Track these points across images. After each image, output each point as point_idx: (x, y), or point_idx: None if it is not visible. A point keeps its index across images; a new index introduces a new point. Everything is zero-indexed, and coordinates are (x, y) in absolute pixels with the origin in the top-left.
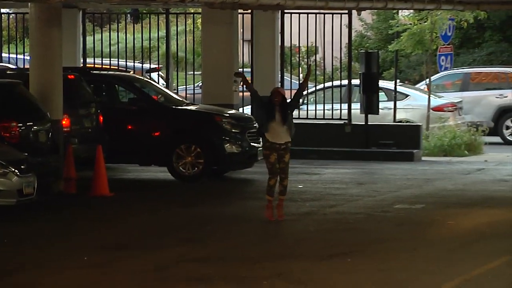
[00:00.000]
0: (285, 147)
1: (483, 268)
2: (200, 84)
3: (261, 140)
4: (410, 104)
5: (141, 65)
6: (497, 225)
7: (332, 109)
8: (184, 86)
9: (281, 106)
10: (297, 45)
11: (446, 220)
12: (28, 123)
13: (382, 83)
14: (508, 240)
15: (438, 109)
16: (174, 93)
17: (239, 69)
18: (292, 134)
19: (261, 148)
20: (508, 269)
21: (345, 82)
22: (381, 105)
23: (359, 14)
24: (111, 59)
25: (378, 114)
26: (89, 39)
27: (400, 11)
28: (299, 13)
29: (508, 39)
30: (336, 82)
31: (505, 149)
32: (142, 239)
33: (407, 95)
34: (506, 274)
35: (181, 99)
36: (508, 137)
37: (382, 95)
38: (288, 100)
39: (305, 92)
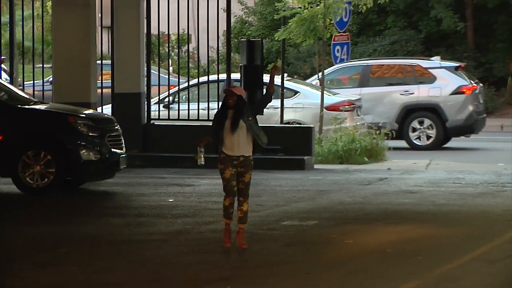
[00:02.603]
0: (243, 162)
1: None
2: (51, 79)
3: (123, 145)
4: (300, 102)
5: None
6: (402, 245)
7: (208, 109)
8: (32, 82)
9: (236, 110)
10: (166, 32)
11: (343, 239)
12: None
13: (266, 78)
14: (414, 262)
15: (333, 108)
16: (20, 89)
17: (97, 61)
18: (262, 143)
19: (124, 155)
20: None
21: (223, 76)
22: None
23: None
24: None
25: (262, 114)
26: None
27: None
28: None
29: (414, 25)
30: (213, 77)
31: (411, 155)
32: None
33: (296, 92)
34: None
35: (28, 97)
36: (414, 141)
37: None
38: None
39: (175, 89)
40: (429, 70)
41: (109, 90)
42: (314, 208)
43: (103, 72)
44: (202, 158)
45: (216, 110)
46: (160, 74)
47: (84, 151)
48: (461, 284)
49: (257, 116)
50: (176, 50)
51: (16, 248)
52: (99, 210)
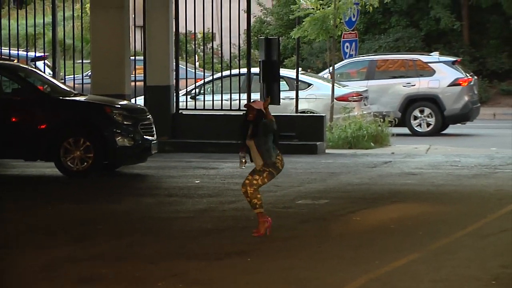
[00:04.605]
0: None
1: (390, 266)
2: (89, 73)
3: (154, 132)
4: (313, 93)
5: (25, 53)
6: (404, 221)
7: (231, 100)
8: (72, 76)
9: (254, 124)
10: (193, 31)
11: (351, 216)
12: None
13: (283, 72)
14: (415, 236)
15: (343, 99)
16: (61, 83)
17: (131, 57)
18: (266, 161)
19: (155, 142)
20: (415, 267)
21: (243, 70)
22: (282, 94)
23: None
24: None
25: (279, 104)
26: None
27: None
28: None
29: (415, 24)
30: (235, 71)
31: (413, 141)
32: (29, 237)
33: (309, 84)
34: (413, 272)
35: (68, 90)
36: (416, 128)
37: (283, 84)
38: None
39: (201, 82)
40: (429, 64)
41: (142, 83)
42: (325, 189)
43: (136, 66)
44: (245, 164)
45: (237, 101)
46: (188, 69)
47: (119, 138)
48: (457, 257)
49: (274, 106)
50: (202, 47)
51: (57, 224)
52: (133, 190)
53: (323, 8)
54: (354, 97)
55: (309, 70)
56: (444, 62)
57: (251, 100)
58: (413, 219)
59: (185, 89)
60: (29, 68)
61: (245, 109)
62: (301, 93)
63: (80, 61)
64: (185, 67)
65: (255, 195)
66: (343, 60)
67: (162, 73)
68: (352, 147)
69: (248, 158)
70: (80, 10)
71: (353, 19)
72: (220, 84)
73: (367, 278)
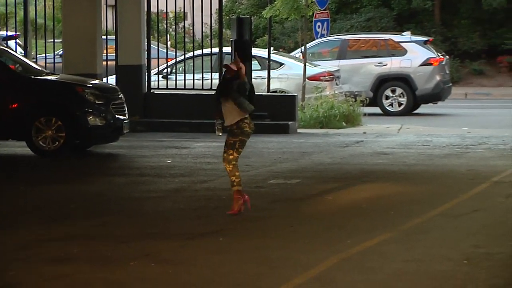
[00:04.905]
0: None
1: (362, 246)
2: (61, 52)
3: (126, 112)
4: (285, 73)
5: None
6: (376, 201)
7: (202, 79)
8: (44, 55)
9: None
10: (165, 10)
11: (323, 195)
12: None
13: (255, 51)
14: (387, 216)
15: (315, 78)
16: (33, 62)
17: (103, 36)
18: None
19: (127, 121)
20: (387, 247)
21: (215, 50)
22: (254, 74)
23: None
24: None
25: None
26: None
27: None
28: None
29: (387, 3)
30: (206, 50)
31: (385, 120)
32: (0, 218)
33: (281, 64)
34: (385, 252)
35: (40, 69)
36: (387, 108)
37: (255, 64)
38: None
39: (173, 61)
40: (400, 44)
41: (113, 63)
42: (297, 168)
43: (108, 46)
44: (221, 130)
45: (209, 80)
46: (159, 48)
47: (91, 117)
48: (429, 236)
49: None
50: (174, 27)
51: (29, 204)
52: (105, 170)
53: None
54: (326, 77)
55: (281, 50)
56: (415, 41)
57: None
58: (385, 199)
59: (157, 69)
60: (0, 47)
61: (224, 69)
62: (273, 73)
63: (52, 40)
64: (156, 47)
65: (233, 172)
66: (315, 39)
67: (134, 53)
68: (324, 126)
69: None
70: None
71: None
72: (192, 64)
73: (339, 257)
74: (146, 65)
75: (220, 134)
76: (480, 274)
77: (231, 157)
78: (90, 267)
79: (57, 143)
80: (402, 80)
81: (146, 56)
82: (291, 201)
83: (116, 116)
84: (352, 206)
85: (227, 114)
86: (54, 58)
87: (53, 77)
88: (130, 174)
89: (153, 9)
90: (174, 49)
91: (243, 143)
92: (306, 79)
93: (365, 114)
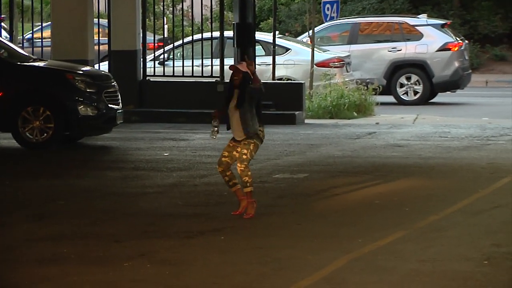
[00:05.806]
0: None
1: (374, 245)
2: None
3: (120, 101)
4: (291, 59)
5: None
6: (390, 197)
7: (202, 66)
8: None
9: (240, 90)
10: None
11: (332, 191)
12: None
13: (258, 35)
14: (401, 213)
15: (323, 64)
16: (19, 47)
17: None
18: (247, 131)
19: (120, 111)
20: (401, 246)
21: (216, 34)
22: (258, 60)
23: None
24: None
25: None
26: None
27: None
28: None
29: None
30: (206, 34)
31: (399, 110)
32: None
33: (287, 49)
34: (399, 251)
35: (27, 55)
36: (402, 96)
37: (259, 49)
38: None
39: (170, 46)
40: (416, 27)
41: (106, 48)
42: (304, 162)
43: (100, 30)
44: (216, 134)
45: (209, 67)
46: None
47: (82, 106)
48: (446, 234)
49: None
50: (171, 9)
51: (15, 200)
52: (97, 163)
53: None
54: (336, 63)
55: (287, 34)
56: (432, 25)
57: (230, 64)
58: (399, 195)
59: (153, 54)
60: None
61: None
62: (278, 59)
63: (40, 23)
64: (152, 32)
65: (246, 172)
66: (324, 22)
67: (128, 37)
68: (333, 116)
69: (219, 128)
70: None
71: None
72: (190, 49)
73: (349, 257)
74: (141, 50)
75: (215, 137)
76: (501, 276)
77: (244, 156)
78: (81, 268)
79: (45, 134)
80: (418, 66)
81: (141, 41)
82: (297, 197)
83: (109, 105)
84: (364, 202)
85: (236, 126)
86: (42, 43)
87: (41, 64)
88: (124, 168)
89: None
90: (172, 33)
91: (257, 147)
92: (314, 66)
93: (377, 103)
